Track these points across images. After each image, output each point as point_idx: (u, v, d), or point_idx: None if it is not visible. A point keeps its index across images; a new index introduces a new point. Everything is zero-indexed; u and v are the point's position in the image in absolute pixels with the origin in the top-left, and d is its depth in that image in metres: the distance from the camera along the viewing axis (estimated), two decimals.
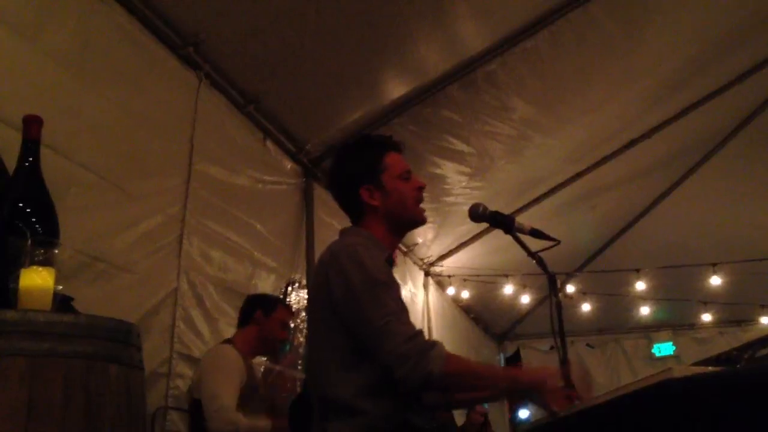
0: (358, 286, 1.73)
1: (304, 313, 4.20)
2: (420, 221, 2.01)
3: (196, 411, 2.67)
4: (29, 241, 1.47)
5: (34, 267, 1.43)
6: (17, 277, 1.42)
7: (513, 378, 1.80)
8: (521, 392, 1.85)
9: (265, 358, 3.60)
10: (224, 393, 2.59)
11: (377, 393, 1.71)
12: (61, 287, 1.49)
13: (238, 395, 2.65)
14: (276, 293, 3.99)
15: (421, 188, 1.99)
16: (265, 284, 3.76)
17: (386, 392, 1.71)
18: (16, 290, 1.41)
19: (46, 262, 1.44)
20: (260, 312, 2.97)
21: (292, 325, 3.49)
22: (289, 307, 3.27)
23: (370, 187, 1.94)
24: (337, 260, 1.80)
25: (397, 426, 1.71)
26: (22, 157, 1.65)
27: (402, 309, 1.75)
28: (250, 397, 2.74)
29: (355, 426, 1.69)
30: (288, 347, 4.07)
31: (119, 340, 1.47)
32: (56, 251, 1.48)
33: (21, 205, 1.59)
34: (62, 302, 1.55)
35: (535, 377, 1.76)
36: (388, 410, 1.71)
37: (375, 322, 1.68)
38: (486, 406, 5.77)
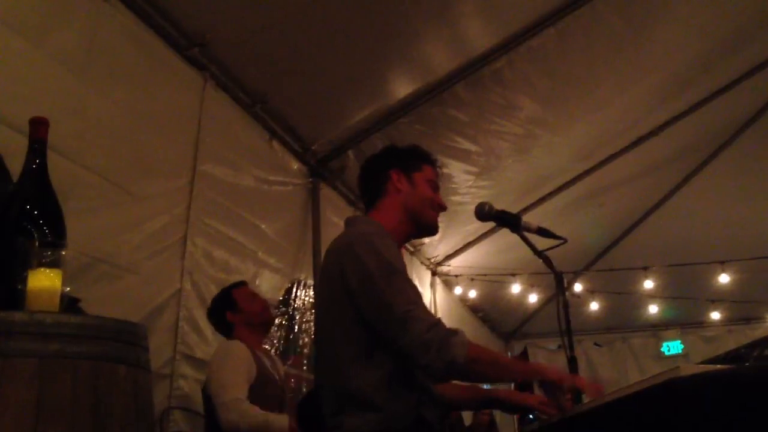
0: (376, 275, 1.74)
1: (309, 313, 4.20)
2: (432, 226, 2.04)
3: (209, 411, 2.64)
4: (37, 243, 1.47)
5: (42, 268, 1.43)
6: (25, 279, 1.42)
7: (535, 370, 1.83)
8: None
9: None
10: (232, 384, 2.55)
11: (393, 386, 1.72)
12: (68, 289, 1.49)
13: (247, 388, 2.61)
14: (280, 293, 3.98)
15: (440, 204, 2.03)
16: (269, 284, 3.76)
17: (403, 385, 1.72)
18: (24, 292, 1.41)
19: (53, 264, 1.44)
20: (229, 313, 2.88)
21: (267, 300, 3.33)
22: (243, 284, 3.06)
23: (400, 173, 2.00)
24: (352, 249, 1.80)
25: (412, 422, 1.72)
26: (29, 159, 1.65)
27: (420, 296, 1.77)
28: (263, 391, 2.70)
29: (371, 422, 1.70)
30: (297, 350, 4.07)
31: (127, 340, 1.47)
32: (63, 253, 1.49)
33: (29, 207, 1.59)
34: (70, 304, 1.56)
35: (559, 373, 1.77)
36: (403, 406, 1.72)
37: (396, 310, 1.69)
38: None
